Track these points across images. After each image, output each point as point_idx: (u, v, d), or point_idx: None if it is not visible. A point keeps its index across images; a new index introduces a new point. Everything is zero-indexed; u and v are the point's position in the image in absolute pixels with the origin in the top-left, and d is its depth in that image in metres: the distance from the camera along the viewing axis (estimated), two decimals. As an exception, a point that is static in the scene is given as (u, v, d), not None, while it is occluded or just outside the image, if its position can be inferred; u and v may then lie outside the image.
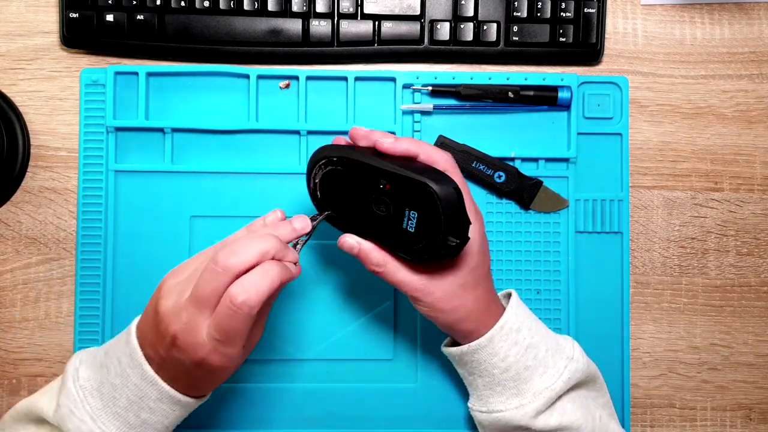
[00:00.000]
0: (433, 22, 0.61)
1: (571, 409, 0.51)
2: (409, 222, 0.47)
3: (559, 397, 0.51)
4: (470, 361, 0.52)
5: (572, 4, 0.60)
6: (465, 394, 0.60)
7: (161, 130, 0.60)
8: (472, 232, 0.48)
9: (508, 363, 0.51)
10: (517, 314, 0.52)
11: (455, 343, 0.54)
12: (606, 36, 0.62)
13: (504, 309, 0.52)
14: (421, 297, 0.49)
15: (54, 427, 0.48)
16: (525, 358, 0.51)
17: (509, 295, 0.54)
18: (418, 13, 0.60)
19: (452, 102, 0.61)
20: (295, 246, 0.48)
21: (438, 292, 0.49)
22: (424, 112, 0.61)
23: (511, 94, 0.60)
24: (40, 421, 0.48)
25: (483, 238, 0.51)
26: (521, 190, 0.60)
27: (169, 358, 0.45)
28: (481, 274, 0.51)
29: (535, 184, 0.60)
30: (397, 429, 0.60)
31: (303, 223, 0.48)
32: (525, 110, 0.61)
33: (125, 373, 0.46)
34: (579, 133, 0.61)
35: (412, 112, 0.61)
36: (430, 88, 0.60)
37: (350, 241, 0.50)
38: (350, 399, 0.60)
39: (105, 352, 0.48)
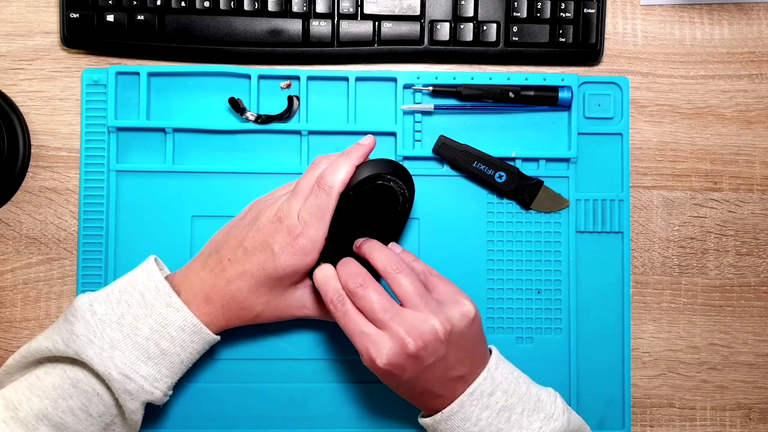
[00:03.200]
0: (433, 22, 0.61)
1: None
2: None
3: None
4: (443, 430, 0.51)
5: (572, 5, 0.61)
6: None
7: (162, 130, 0.60)
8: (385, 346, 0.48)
9: (481, 427, 0.50)
10: (493, 377, 0.51)
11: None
12: (606, 36, 0.62)
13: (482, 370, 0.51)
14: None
15: (57, 360, 0.50)
16: (498, 421, 0.50)
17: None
18: (418, 13, 0.61)
19: (453, 102, 0.61)
20: None
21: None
22: (425, 112, 0.61)
23: (511, 94, 0.60)
24: (39, 362, 0.51)
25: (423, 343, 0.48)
26: (522, 190, 0.60)
27: (239, 267, 0.51)
28: (419, 376, 0.49)
29: (536, 184, 0.60)
30: (397, 429, 0.60)
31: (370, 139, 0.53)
32: (526, 110, 0.61)
33: (149, 304, 0.50)
34: (579, 133, 0.61)
35: (413, 112, 0.61)
36: (430, 88, 0.60)
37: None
38: (350, 399, 0.60)
39: (119, 290, 0.52)
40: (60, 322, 0.51)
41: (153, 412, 0.59)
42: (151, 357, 0.50)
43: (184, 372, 0.53)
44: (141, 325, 0.50)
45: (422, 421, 0.53)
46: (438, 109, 0.61)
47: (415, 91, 0.61)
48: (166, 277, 0.53)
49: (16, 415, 0.49)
